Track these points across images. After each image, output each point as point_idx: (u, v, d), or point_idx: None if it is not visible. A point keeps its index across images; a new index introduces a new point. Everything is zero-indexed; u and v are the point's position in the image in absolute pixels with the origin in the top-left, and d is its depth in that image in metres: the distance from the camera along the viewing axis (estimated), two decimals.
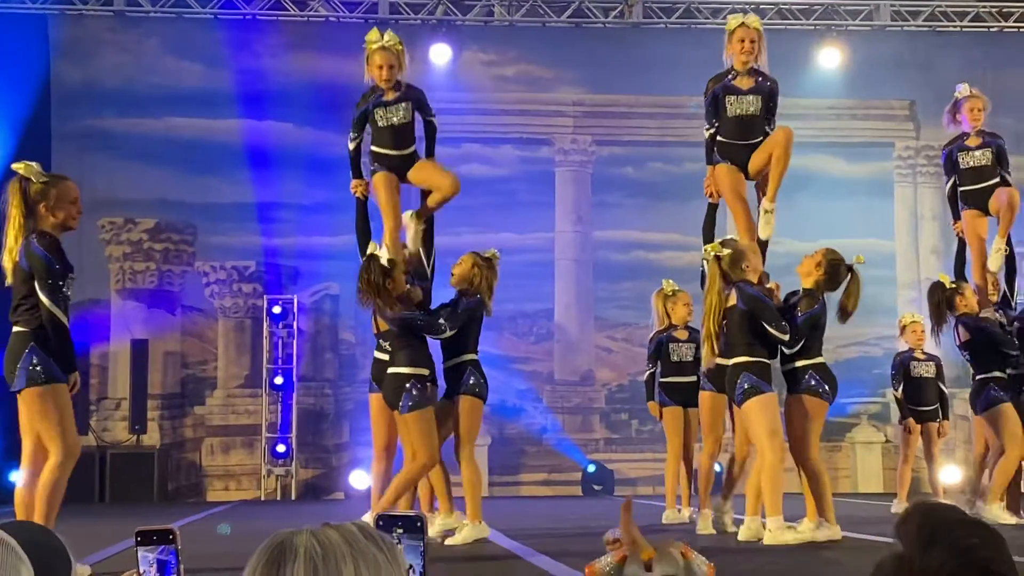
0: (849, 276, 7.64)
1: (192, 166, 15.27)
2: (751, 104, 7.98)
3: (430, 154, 8.05)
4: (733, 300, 7.41)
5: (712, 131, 8.11)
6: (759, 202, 8.16)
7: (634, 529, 2.61)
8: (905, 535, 1.71)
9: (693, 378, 9.58)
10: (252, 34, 15.56)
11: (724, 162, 8.00)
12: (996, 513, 8.70)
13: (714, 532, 7.98)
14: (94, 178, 14.66)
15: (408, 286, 7.58)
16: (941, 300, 9.21)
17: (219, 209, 15.34)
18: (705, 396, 8.32)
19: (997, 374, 8.98)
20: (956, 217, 9.51)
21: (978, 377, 9.02)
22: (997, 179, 9.31)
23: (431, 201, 7.92)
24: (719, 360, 7.70)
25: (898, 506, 10.57)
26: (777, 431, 7.30)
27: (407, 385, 7.34)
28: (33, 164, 6.10)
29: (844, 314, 7.63)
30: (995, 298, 9.37)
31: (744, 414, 7.34)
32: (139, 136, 15.39)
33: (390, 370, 7.48)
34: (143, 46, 15.64)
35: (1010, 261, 9.38)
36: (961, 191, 9.42)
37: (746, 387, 7.25)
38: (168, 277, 15.50)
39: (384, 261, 7.36)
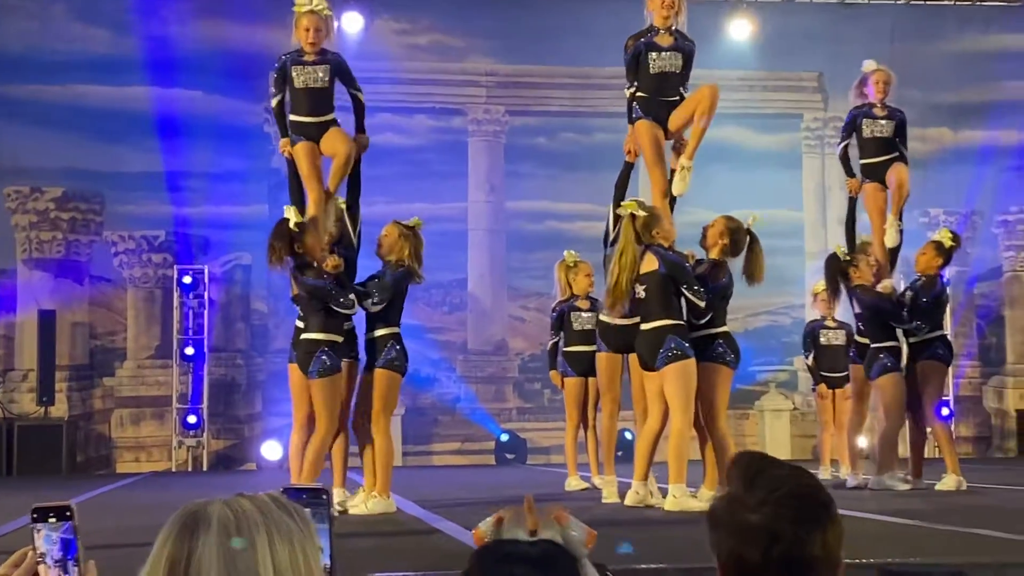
0: (749, 239, 7.77)
1: (99, 134, 15.01)
2: (672, 61, 7.97)
3: (361, 129, 7.96)
4: (651, 264, 7.46)
5: (632, 89, 8.10)
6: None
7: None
8: (732, 478, 1.97)
9: (595, 347, 9.70)
10: (160, 0, 15.31)
11: (645, 118, 7.99)
12: (889, 483, 8.93)
13: (619, 500, 8.00)
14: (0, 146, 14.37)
15: (328, 254, 7.53)
16: (836, 271, 9.45)
17: (127, 178, 15.11)
18: (601, 357, 8.37)
19: (889, 344, 9.22)
20: (849, 174, 9.69)
21: (872, 346, 9.26)
22: (896, 153, 9.51)
23: (332, 170, 7.76)
24: (621, 321, 7.77)
25: (823, 472, 10.78)
26: (691, 398, 7.37)
27: (318, 351, 7.33)
28: None
29: (752, 279, 7.76)
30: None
31: (664, 376, 7.33)
32: (45, 103, 15.08)
33: (303, 335, 7.46)
34: (49, 12, 15.32)
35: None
36: (862, 163, 9.62)
37: (673, 348, 7.28)
38: (76, 247, 15.25)
39: (293, 225, 7.32)
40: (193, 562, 1.56)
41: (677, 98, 7.98)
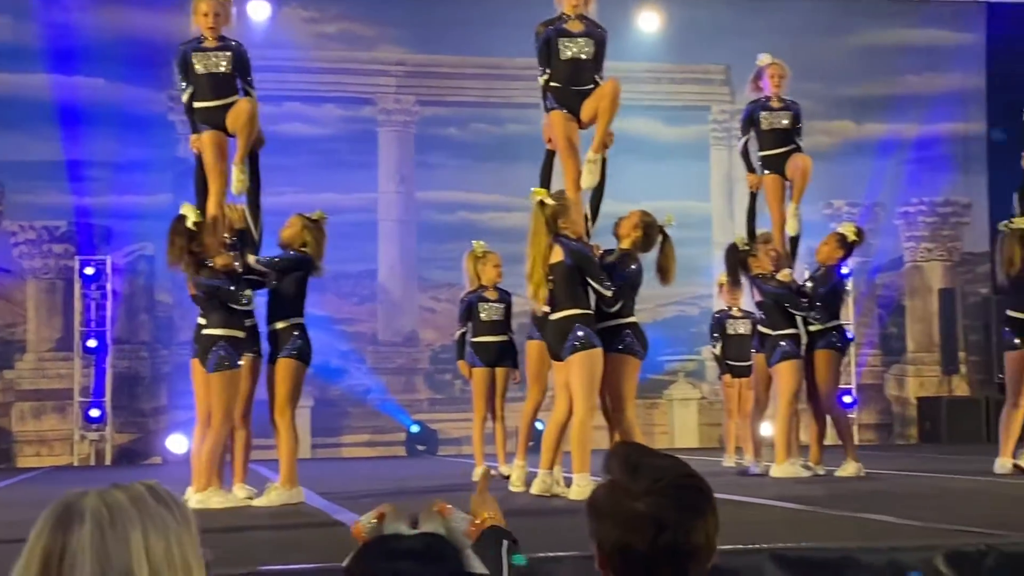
0: (662, 237, 7.86)
1: None
2: (584, 47, 7.94)
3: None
4: (557, 255, 7.48)
5: (545, 77, 8.08)
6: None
7: (485, 498, 2.69)
8: (614, 466, 2.00)
9: (503, 338, 9.76)
10: None
11: (559, 109, 7.99)
12: (789, 471, 9.08)
13: (525, 488, 8.02)
14: None
15: (229, 253, 7.46)
16: (736, 262, 9.60)
17: (27, 167, 14.79)
18: (533, 345, 8.40)
19: (789, 331, 9.38)
20: (750, 169, 9.83)
21: (772, 334, 9.41)
22: (793, 144, 9.67)
23: (237, 130, 7.53)
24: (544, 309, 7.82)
25: (728, 460, 10.93)
26: (595, 388, 7.41)
27: (217, 345, 7.26)
28: None
29: (665, 275, 7.83)
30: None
31: (569, 366, 7.36)
32: None
33: (203, 331, 7.39)
34: None
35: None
36: (761, 155, 9.75)
37: (580, 337, 7.30)
38: None
39: (191, 223, 7.22)
40: (67, 556, 1.53)
41: (591, 86, 7.96)
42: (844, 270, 10.50)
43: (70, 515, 1.56)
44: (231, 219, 7.81)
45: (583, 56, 7.93)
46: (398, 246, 16.20)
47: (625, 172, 14.41)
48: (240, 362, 7.41)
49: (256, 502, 7.47)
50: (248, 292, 7.42)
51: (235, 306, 7.35)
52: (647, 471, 1.96)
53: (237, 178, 7.53)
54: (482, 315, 9.82)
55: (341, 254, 13.61)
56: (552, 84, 7.97)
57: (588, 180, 7.88)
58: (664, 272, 7.86)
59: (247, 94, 7.68)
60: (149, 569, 1.55)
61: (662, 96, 16.56)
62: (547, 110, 8.05)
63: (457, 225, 15.75)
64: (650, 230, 7.80)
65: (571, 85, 7.93)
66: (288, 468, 7.64)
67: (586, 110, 7.91)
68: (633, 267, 7.72)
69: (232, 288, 7.32)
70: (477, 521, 2.72)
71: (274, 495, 7.50)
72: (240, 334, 7.41)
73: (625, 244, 7.77)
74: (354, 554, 2.00)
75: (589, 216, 7.98)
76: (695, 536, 1.92)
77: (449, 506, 2.12)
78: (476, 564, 2.03)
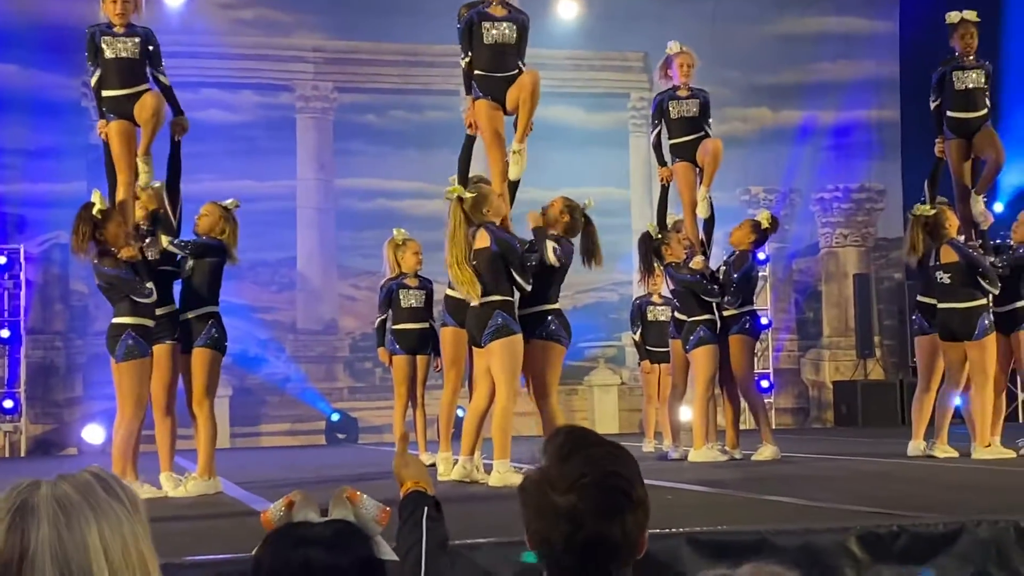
0: (585, 221, 7.91)
1: None
2: (506, 32, 7.88)
3: (179, 112, 7.70)
4: (483, 241, 7.49)
5: (467, 59, 8.00)
6: None
7: (407, 460, 2.68)
8: (547, 453, 2.03)
9: (423, 325, 9.76)
10: None
11: (484, 98, 7.97)
12: (706, 455, 9.19)
13: (453, 477, 8.01)
14: None
15: (136, 243, 7.35)
16: (648, 250, 9.70)
17: None
18: (448, 331, 8.40)
19: (705, 317, 9.50)
20: (661, 163, 9.90)
21: (688, 320, 9.53)
22: (702, 132, 9.76)
23: (142, 125, 7.42)
24: (454, 295, 7.83)
25: (647, 445, 11.03)
26: (516, 374, 7.44)
27: (124, 334, 7.16)
28: None
29: (592, 258, 7.89)
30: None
31: (489, 352, 7.38)
32: None
33: (112, 320, 7.28)
34: None
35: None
36: (671, 144, 9.83)
37: (499, 323, 7.32)
38: None
39: (96, 211, 7.11)
40: (25, 561, 1.50)
41: (516, 72, 7.95)
42: (760, 256, 10.65)
43: (24, 516, 1.53)
44: (147, 202, 7.72)
45: (506, 41, 7.92)
46: (317, 234, 16.10)
47: (545, 159, 14.51)
48: (149, 351, 7.30)
49: (173, 493, 7.41)
50: (150, 284, 7.30)
51: (138, 299, 7.24)
52: (576, 464, 1.98)
53: (142, 170, 7.45)
54: (402, 302, 9.80)
55: (259, 242, 13.55)
56: (476, 72, 7.94)
57: (515, 171, 7.88)
58: (591, 255, 7.92)
59: (157, 81, 7.59)
60: (110, 571, 1.52)
61: (581, 83, 16.62)
62: (472, 97, 8.03)
63: (376, 212, 15.68)
64: (574, 213, 7.86)
65: (494, 71, 7.91)
66: (206, 458, 7.58)
67: (510, 98, 7.90)
68: (569, 254, 7.77)
69: (133, 279, 7.20)
70: (401, 484, 2.72)
71: (191, 485, 7.44)
72: (149, 323, 7.31)
73: (557, 231, 7.80)
74: (262, 542, 2.00)
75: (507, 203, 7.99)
76: (611, 534, 1.95)
77: (359, 492, 2.12)
78: (386, 550, 2.04)
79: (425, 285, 9.88)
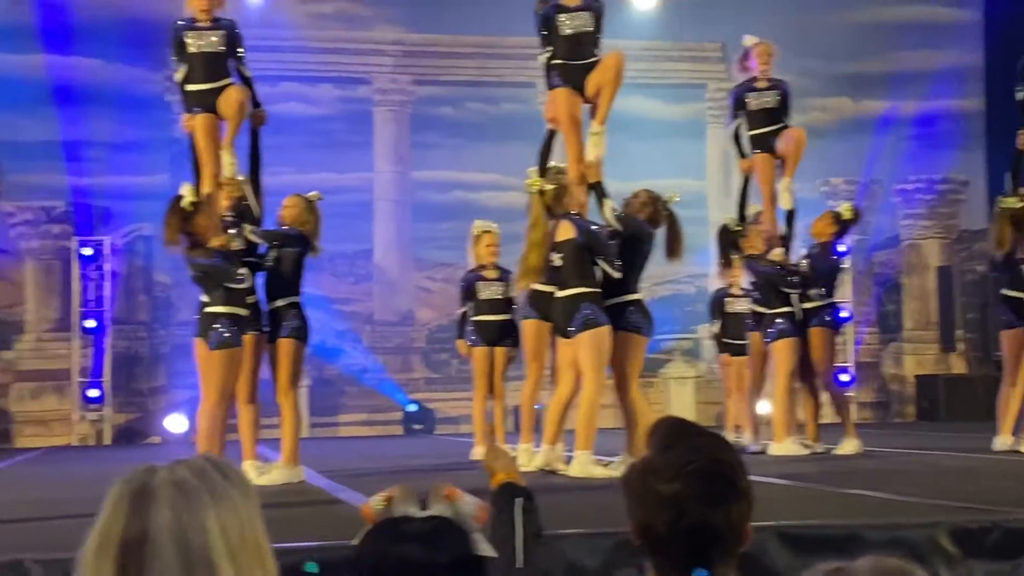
0: (668, 214, 7.89)
1: None
2: (583, 21, 7.89)
3: (255, 106, 7.75)
4: (567, 233, 7.49)
5: (547, 55, 8.04)
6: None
7: (498, 453, 2.69)
8: (651, 443, 2.05)
9: (503, 317, 9.73)
10: None
11: (564, 86, 7.97)
12: (788, 448, 9.10)
13: (533, 468, 8.01)
14: None
15: (225, 233, 7.45)
16: (727, 242, 9.62)
17: (24, 147, 14.74)
18: (529, 324, 8.42)
19: (784, 309, 9.41)
20: (741, 155, 9.81)
21: (767, 312, 9.44)
22: (782, 123, 9.65)
23: (227, 119, 7.56)
24: (542, 287, 7.83)
25: (727, 438, 10.94)
26: (603, 366, 7.43)
27: (218, 322, 7.25)
28: None
29: (673, 252, 7.87)
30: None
31: (577, 343, 7.38)
32: None
33: (205, 309, 7.38)
34: None
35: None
36: (751, 135, 9.73)
37: (587, 315, 7.33)
38: None
39: (187, 204, 7.22)
40: (147, 543, 1.53)
41: (593, 60, 7.95)
42: (841, 248, 10.52)
43: (145, 500, 1.55)
44: (231, 193, 7.81)
45: (584, 30, 7.92)
46: (394, 226, 16.19)
47: (621, 151, 14.42)
48: (241, 340, 7.40)
49: (257, 481, 7.48)
50: (244, 270, 7.41)
51: (232, 285, 7.34)
52: (681, 451, 1.98)
53: (226, 162, 7.54)
54: (481, 294, 9.80)
55: (337, 234, 13.63)
56: (554, 61, 7.95)
57: (595, 151, 7.84)
58: (672, 248, 7.90)
59: (239, 73, 7.67)
60: (228, 554, 1.55)
61: (658, 74, 16.52)
62: (551, 87, 8.02)
63: (453, 205, 15.75)
64: (657, 205, 7.84)
65: (574, 60, 7.91)
66: (290, 447, 7.67)
67: (590, 83, 7.89)
68: (650, 245, 7.75)
69: (226, 267, 7.32)
70: (493, 476, 2.72)
71: (276, 474, 7.51)
72: (242, 312, 7.41)
73: None
74: (362, 536, 2.01)
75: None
76: (716, 522, 1.95)
77: (458, 490, 2.13)
78: (484, 547, 2.04)
79: (505, 277, 9.85)
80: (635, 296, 7.69)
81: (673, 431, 2.05)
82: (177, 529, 1.53)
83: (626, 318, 7.59)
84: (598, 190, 7.70)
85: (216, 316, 7.29)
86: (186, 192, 7.27)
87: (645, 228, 7.75)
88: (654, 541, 1.98)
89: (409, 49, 16.30)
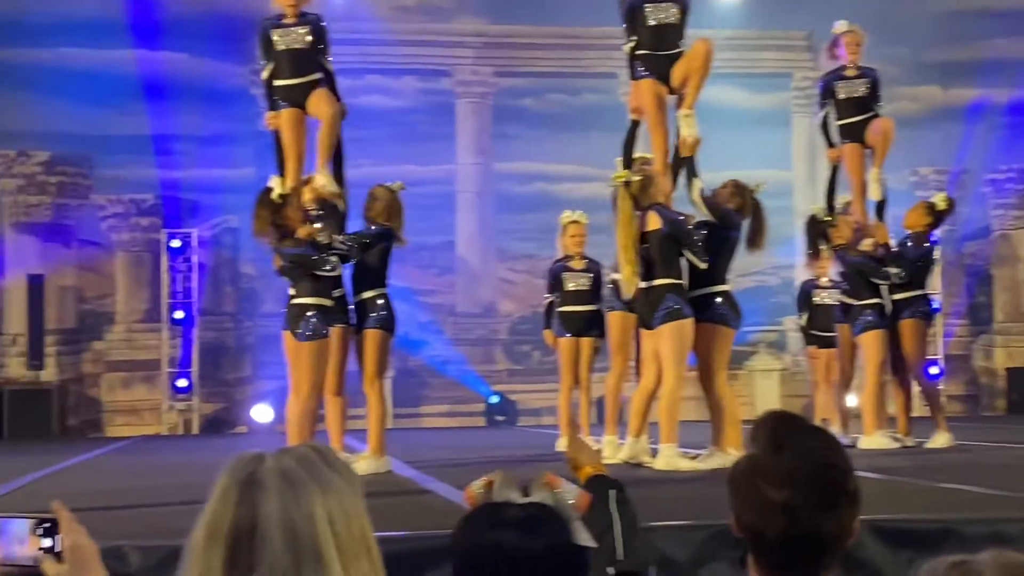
0: (755, 207, 7.83)
1: (86, 98, 14.90)
2: (670, 12, 7.84)
3: (337, 100, 7.84)
4: (654, 224, 7.46)
5: (632, 44, 8.00)
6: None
7: (582, 446, 2.67)
8: (758, 440, 2.00)
9: (589, 307, 9.68)
10: None
11: (648, 77, 7.94)
12: (878, 442, 8.97)
13: (618, 460, 7.98)
14: None
15: (313, 225, 7.52)
16: (816, 232, 9.50)
17: (115, 141, 15.01)
18: (615, 315, 8.40)
19: (873, 301, 9.27)
20: (830, 145, 9.68)
21: (856, 304, 9.32)
22: (872, 112, 9.50)
23: (319, 138, 7.68)
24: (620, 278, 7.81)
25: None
26: (685, 358, 7.40)
27: (307, 314, 7.31)
28: None
29: (756, 242, 7.81)
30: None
31: (659, 335, 7.36)
32: (30, 67, 14.96)
33: (293, 300, 7.45)
34: None
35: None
36: (840, 124, 9.59)
37: (671, 306, 7.30)
38: (64, 211, 15.21)
39: (276, 196, 7.29)
40: (256, 534, 1.54)
41: (678, 50, 7.90)
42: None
43: (253, 489, 1.57)
44: (318, 191, 7.87)
45: (668, 20, 7.86)
46: (476, 218, 16.23)
47: (706, 141, 14.35)
48: (329, 331, 7.45)
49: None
50: (333, 259, 7.47)
51: (321, 273, 7.40)
52: (789, 455, 1.95)
53: (322, 183, 7.61)
54: (567, 285, 9.77)
55: (420, 226, 13.68)
56: (639, 51, 7.90)
57: (688, 130, 7.78)
58: (755, 239, 7.83)
59: (324, 69, 7.73)
60: (335, 543, 1.55)
61: (743, 64, 16.36)
62: (635, 78, 7.98)
63: (534, 196, 15.75)
64: (745, 195, 7.79)
65: (658, 50, 7.86)
66: (377, 437, 7.71)
67: (676, 73, 7.83)
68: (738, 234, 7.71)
69: (317, 256, 7.39)
70: (579, 470, 2.71)
71: (363, 464, 7.55)
72: (329, 303, 7.46)
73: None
74: (461, 520, 2.01)
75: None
76: (828, 527, 1.93)
77: (558, 478, 2.12)
78: (584, 535, 2.02)
79: (592, 268, 9.79)
80: (723, 287, 7.63)
81: (781, 429, 2.00)
82: (285, 519, 1.54)
83: (713, 309, 7.54)
84: (690, 167, 7.66)
85: (304, 308, 7.35)
86: (275, 185, 7.36)
87: (733, 217, 7.70)
88: (762, 544, 1.97)
89: (490, 40, 16.32)
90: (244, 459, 1.61)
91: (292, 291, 7.51)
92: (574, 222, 9.91)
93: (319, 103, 7.62)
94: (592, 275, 9.76)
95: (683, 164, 7.70)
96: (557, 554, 1.93)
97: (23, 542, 1.86)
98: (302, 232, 7.39)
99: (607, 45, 16.33)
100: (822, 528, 1.92)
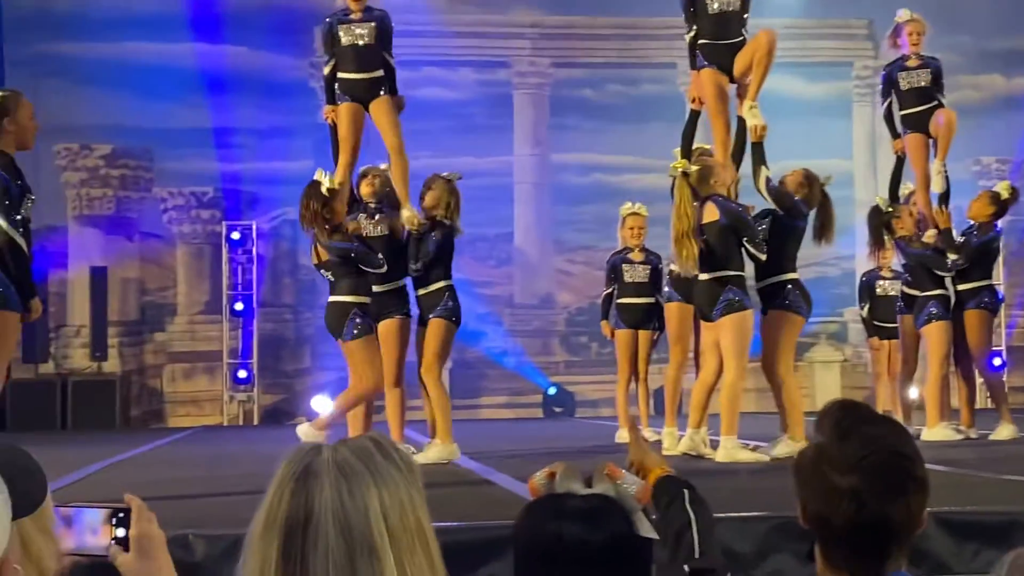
0: (823, 198, 7.79)
1: (147, 91, 15.06)
2: (731, 0, 7.81)
3: (393, 93, 7.86)
4: (712, 215, 7.43)
5: (692, 33, 7.96)
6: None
7: (644, 447, 2.67)
8: (823, 429, 1.98)
9: (648, 300, 9.66)
10: None
11: (709, 66, 7.90)
12: (941, 434, 8.88)
13: (678, 452, 7.95)
14: (49, 104, 14.35)
15: (355, 220, 7.54)
16: (879, 223, 9.41)
17: (176, 134, 15.16)
18: (673, 307, 8.40)
19: (937, 292, 9.17)
20: (894, 135, 9.58)
21: (919, 295, 9.22)
22: (935, 102, 9.37)
23: (395, 172, 7.75)
24: (679, 270, 7.79)
25: None
26: (746, 350, 7.37)
27: (351, 313, 7.34)
28: None
29: (825, 233, 7.80)
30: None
31: (719, 327, 7.34)
32: (93, 61, 15.15)
33: (332, 298, 7.46)
34: None
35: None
36: (902, 114, 9.49)
37: (731, 298, 7.29)
38: (126, 203, 15.39)
39: (324, 189, 7.32)
40: (311, 525, 1.55)
41: (740, 39, 7.85)
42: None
43: (308, 480, 1.57)
44: (375, 185, 7.91)
45: (730, 8, 7.81)
46: (534, 209, 16.22)
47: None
48: (373, 326, 7.47)
49: (416, 458, 7.51)
50: (380, 255, 7.49)
51: (370, 269, 7.42)
52: (856, 442, 1.93)
53: (407, 216, 7.65)
54: (626, 276, 9.75)
55: (478, 217, 13.72)
56: (700, 41, 7.86)
57: (753, 119, 7.74)
58: (824, 230, 7.78)
59: (387, 64, 7.74)
60: (388, 535, 1.56)
61: (803, 53, 16.20)
62: (696, 68, 7.93)
63: (592, 187, 15.72)
64: (813, 186, 7.75)
65: (720, 39, 7.82)
66: (443, 425, 7.68)
67: (739, 63, 7.78)
68: (804, 222, 7.66)
69: (366, 250, 7.42)
70: (646, 473, 2.69)
71: (433, 452, 7.56)
72: (367, 300, 7.49)
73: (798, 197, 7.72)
74: (523, 510, 2.01)
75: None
76: (896, 515, 1.91)
77: (621, 469, 2.11)
78: (646, 527, 2.01)
79: (651, 260, 9.76)
80: (792, 275, 7.59)
81: (847, 417, 1.98)
82: (339, 510, 1.54)
83: (783, 297, 7.52)
84: (756, 155, 7.62)
85: (347, 307, 7.36)
86: (322, 178, 7.38)
87: (800, 206, 7.65)
88: (829, 533, 1.95)
89: (547, 31, 16.29)
90: (302, 450, 1.62)
91: (332, 288, 7.50)
92: (633, 214, 9.88)
93: (386, 122, 7.64)
94: (651, 267, 9.73)
95: (753, 150, 7.66)
96: (619, 545, 1.93)
97: (96, 532, 1.89)
98: (350, 226, 7.42)
99: (666, 35, 16.25)
100: (890, 516, 1.90)
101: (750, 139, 7.67)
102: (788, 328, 7.53)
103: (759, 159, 7.62)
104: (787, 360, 7.57)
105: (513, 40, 16.29)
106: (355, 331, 7.32)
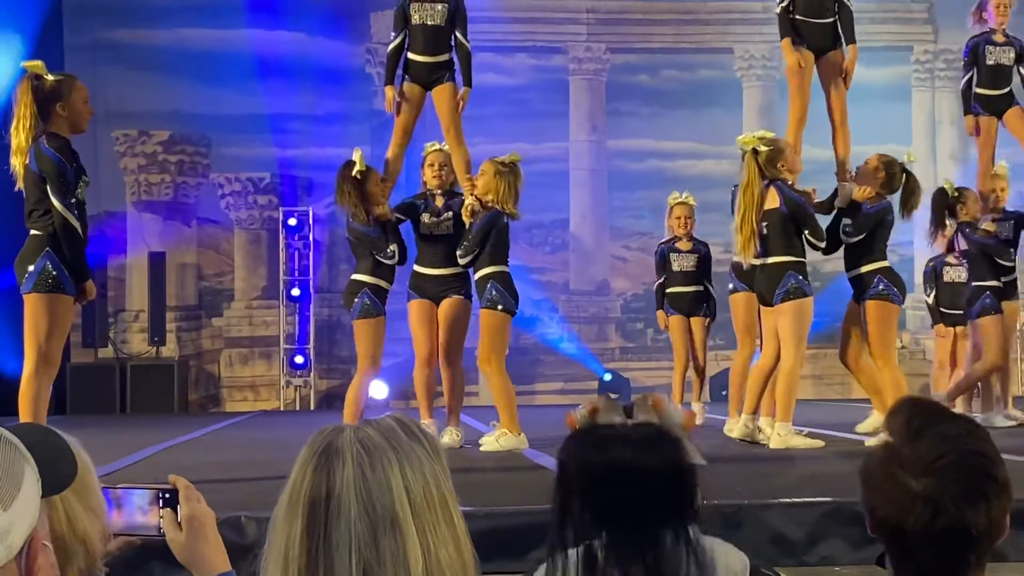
0: (905, 177, 7.70)
1: (204, 77, 15.17)
2: None
3: (468, 83, 7.76)
4: (773, 202, 7.38)
5: (785, 3, 7.95)
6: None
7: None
8: (894, 427, 1.83)
9: (696, 288, 9.64)
10: None
11: (799, 44, 7.91)
12: (994, 420, 8.77)
13: (735, 435, 7.85)
14: (107, 90, 14.59)
15: (386, 208, 7.53)
16: (942, 206, 9.25)
17: (232, 120, 15.27)
18: (739, 297, 8.38)
19: (991, 283, 9.02)
20: (967, 111, 9.34)
21: (974, 284, 9.09)
22: (1009, 87, 9.15)
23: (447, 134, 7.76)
24: (756, 261, 7.71)
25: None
26: (804, 337, 7.33)
27: (360, 293, 7.39)
28: (40, 62, 5.95)
29: (909, 211, 7.74)
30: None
31: (779, 313, 7.31)
32: (150, 48, 15.28)
33: (353, 276, 7.54)
34: None
35: None
36: (978, 92, 9.24)
37: (792, 285, 7.26)
38: (183, 189, 15.52)
39: (356, 172, 7.33)
40: (332, 500, 1.56)
41: (831, 20, 7.84)
42: None
43: (330, 457, 1.58)
44: (441, 177, 7.89)
45: None
46: (590, 195, 16.17)
47: (823, 116, 14.11)
48: (383, 311, 7.48)
49: (484, 448, 7.52)
50: (393, 247, 7.46)
51: (380, 258, 7.44)
52: (930, 442, 1.78)
53: (468, 204, 7.65)
54: (674, 265, 9.75)
55: (534, 203, 13.70)
56: (797, 17, 7.85)
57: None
58: (910, 209, 7.73)
59: (458, 45, 7.71)
60: (411, 511, 1.55)
61: (862, 37, 15.83)
62: (785, 36, 7.94)
63: (648, 173, 15.64)
64: (892, 169, 7.67)
65: (812, 17, 7.81)
66: (508, 415, 7.63)
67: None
68: (881, 204, 7.63)
69: (378, 238, 7.41)
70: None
71: (503, 440, 7.54)
72: (385, 285, 7.51)
73: (872, 187, 7.65)
74: (564, 443, 1.96)
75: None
76: (976, 521, 1.75)
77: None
78: (695, 455, 1.96)
79: (698, 248, 9.74)
80: (881, 263, 7.56)
81: (918, 416, 1.83)
82: (361, 486, 1.55)
83: (875, 286, 7.48)
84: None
85: (359, 285, 7.41)
86: (357, 159, 7.39)
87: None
88: (901, 541, 1.79)
89: (603, 17, 16.22)
90: (325, 430, 1.63)
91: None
92: (681, 203, 9.85)
93: (446, 113, 7.64)
94: (698, 256, 9.70)
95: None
96: (669, 470, 1.88)
97: (145, 512, 1.91)
98: (377, 211, 7.42)
99: (723, 20, 16.17)
100: (969, 521, 1.74)
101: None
102: (884, 317, 7.46)
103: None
104: (890, 349, 7.49)
105: (569, 26, 16.24)
106: (358, 311, 7.36)
